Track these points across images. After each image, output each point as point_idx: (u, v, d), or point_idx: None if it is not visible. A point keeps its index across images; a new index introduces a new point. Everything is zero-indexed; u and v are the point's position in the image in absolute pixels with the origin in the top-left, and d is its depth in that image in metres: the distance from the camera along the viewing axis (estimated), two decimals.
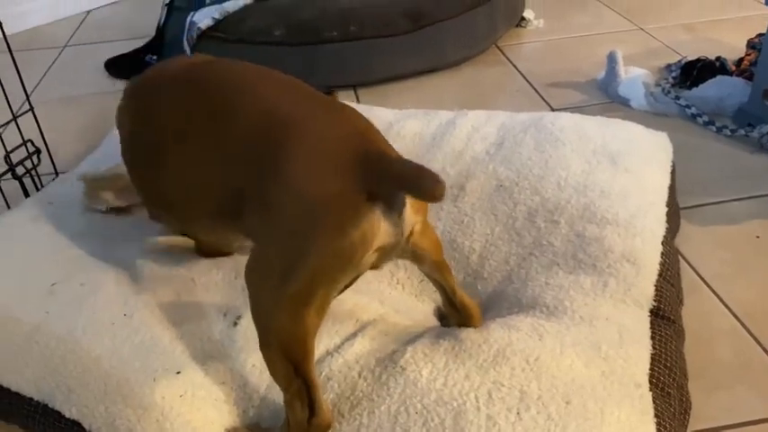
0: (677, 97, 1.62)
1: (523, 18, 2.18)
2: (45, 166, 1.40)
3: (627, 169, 1.11)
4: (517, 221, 1.05)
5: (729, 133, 1.52)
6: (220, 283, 0.96)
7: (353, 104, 1.45)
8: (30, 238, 1.04)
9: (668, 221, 1.06)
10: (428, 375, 0.80)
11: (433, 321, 0.96)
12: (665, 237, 1.03)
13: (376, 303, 0.95)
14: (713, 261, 1.18)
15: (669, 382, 0.84)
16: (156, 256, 1.02)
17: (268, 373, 0.77)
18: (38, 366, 0.84)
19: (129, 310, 0.89)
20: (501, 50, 2.05)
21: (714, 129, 1.54)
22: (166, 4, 2.10)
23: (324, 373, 0.83)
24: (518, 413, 0.76)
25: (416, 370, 0.81)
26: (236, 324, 0.90)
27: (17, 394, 0.84)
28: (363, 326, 0.90)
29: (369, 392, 0.80)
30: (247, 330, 0.88)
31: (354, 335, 0.89)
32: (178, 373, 0.82)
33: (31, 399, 0.83)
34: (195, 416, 0.79)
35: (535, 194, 1.07)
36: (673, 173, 1.19)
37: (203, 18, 1.94)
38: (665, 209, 1.07)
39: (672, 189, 1.15)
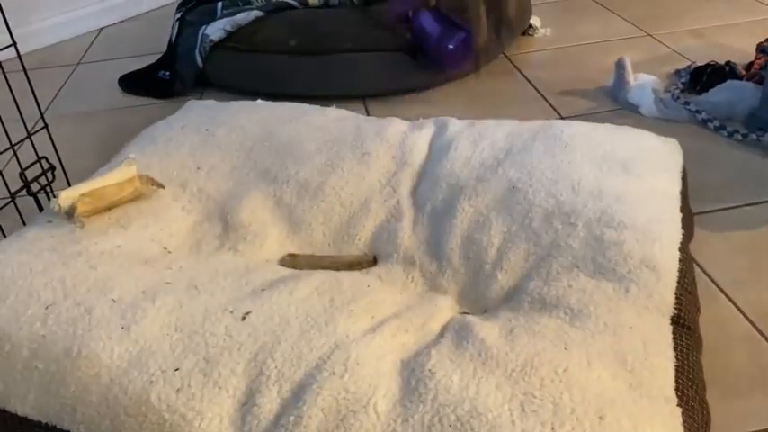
0: (687, 103, 1.62)
1: (531, 26, 2.19)
2: (59, 183, 1.41)
3: (638, 176, 1.11)
4: (534, 222, 1.05)
5: (741, 138, 1.51)
6: (227, 288, 0.95)
7: (363, 116, 1.46)
8: (25, 260, 1.03)
9: (683, 227, 1.05)
10: (459, 382, 0.78)
11: (449, 314, 0.95)
12: (681, 243, 1.01)
13: (390, 299, 0.95)
14: (728, 267, 1.17)
15: (693, 396, 0.82)
16: (151, 267, 1.01)
17: (273, 364, 0.79)
18: (40, 390, 0.84)
19: (126, 323, 0.88)
20: (509, 59, 2.06)
21: (725, 134, 1.53)
22: (178, 20, 2.13)
23: (352, 357, 0.81)
24: (553, 428, 0.73)
25: (446, 375, 0.78)
26: (244, 318, 0.88)
27: (25, 419, 0.84)
28: (380, 323, 0.89)
29: (400, 397, 0.78)
30: (256, 322, 0.87)
31: (373, 330, 0.87)
32: (176, 370, 0.81)
33: (40, 422, 0.83)
34: (195, 409, 0.78)
35: (550, 197, 1.07)
36: (684, 178, 1.18)
37: (215, 31, 1.96)
38: (680, 215, 1.07)
39: (684, 195, 1.15)
